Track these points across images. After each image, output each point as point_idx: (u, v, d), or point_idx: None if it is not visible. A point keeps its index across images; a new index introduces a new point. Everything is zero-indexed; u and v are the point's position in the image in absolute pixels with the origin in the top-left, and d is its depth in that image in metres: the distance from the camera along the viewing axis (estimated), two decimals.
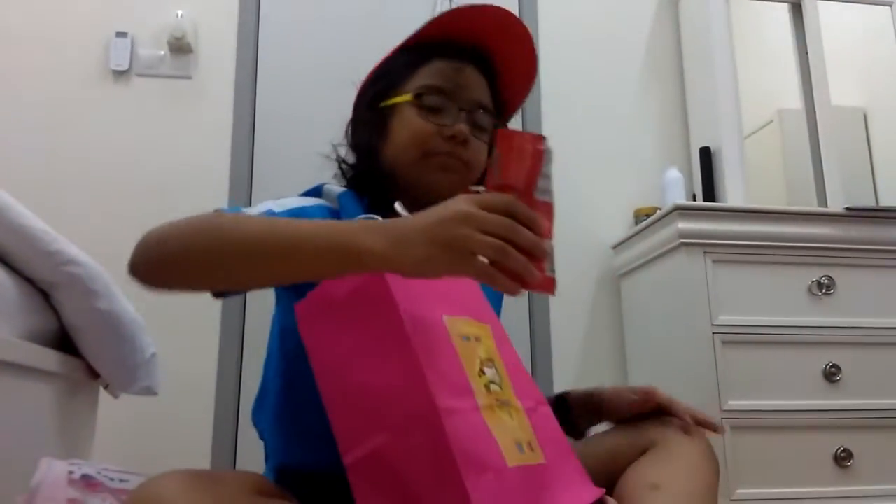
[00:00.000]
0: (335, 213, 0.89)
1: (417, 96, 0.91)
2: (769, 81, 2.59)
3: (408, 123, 0.91)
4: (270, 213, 0.84)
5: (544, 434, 0.73)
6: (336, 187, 0.94)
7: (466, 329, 0.73)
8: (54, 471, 0.79)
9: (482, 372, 0.71)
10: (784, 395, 1.89)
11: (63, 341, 1.27)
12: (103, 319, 1.25)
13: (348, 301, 0.69)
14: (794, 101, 2.47)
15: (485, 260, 0.60)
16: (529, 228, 0.61)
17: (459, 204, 0.61)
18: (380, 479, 0.64)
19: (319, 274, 0.66)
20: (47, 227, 1.19)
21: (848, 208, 2.05)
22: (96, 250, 1.32)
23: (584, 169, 2.55)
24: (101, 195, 2.29)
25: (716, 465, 0.81)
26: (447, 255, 0.60)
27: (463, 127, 0.89)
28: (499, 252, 0.58)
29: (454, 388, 0.66)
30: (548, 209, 0.67)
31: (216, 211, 0.76)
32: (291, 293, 0.88)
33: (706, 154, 2.40)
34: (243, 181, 2.37)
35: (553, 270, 0.64)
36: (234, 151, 2.38)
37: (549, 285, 0.64)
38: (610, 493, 0.83)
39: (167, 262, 0.69)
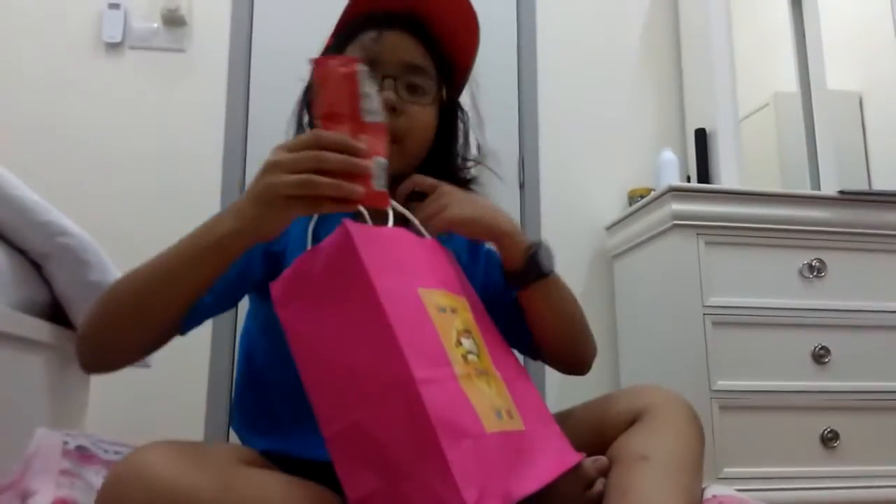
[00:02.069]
0: None
1: None
2: (766, 64, 2.59)
3: None
4: None
5: (524, 403, 0.74)
6: None
7: (442, 301, 0.73)
8: (49, 441, 0.79)
9: (459, 342, 0.71)
10: (773, 377, 1.91)
11: (56, 313, 1.26)
12: (95, 291, 1.25)
13: (323, 277, 0.68)
14: (790, 85, 2.47)
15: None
16: (343, 151, 0.64)
17: (270, 155, 0.66)
18: (360, 450, 0.65)
19: (212, 273, 0.72)
20: (39, 198, 1.18)
21: (841, 192, 2.06)
22: (88, 223, 1.31)
23: (579, 149, 2.54)
24: (93, 168, 2.28)
25: (701, 430, 0.81)
26: (268, 208, 0.66)
27: (388, 94, 0.84)
28: (305, 185, 0.63)
29: (431, 359, 0.66)
30: (379, 130, 0.70)
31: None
32: (255, 295, 0.90)
33: (701, 136, 2.40)
34: (237, 154, 2.35)
35: (384, 185, 0.68)
36: (227, 125, 2.36)
37: (379, 199, 0.68)
38: None
39: (101, 351, 0.77)
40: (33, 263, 1.21)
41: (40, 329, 1.16)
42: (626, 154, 2.57)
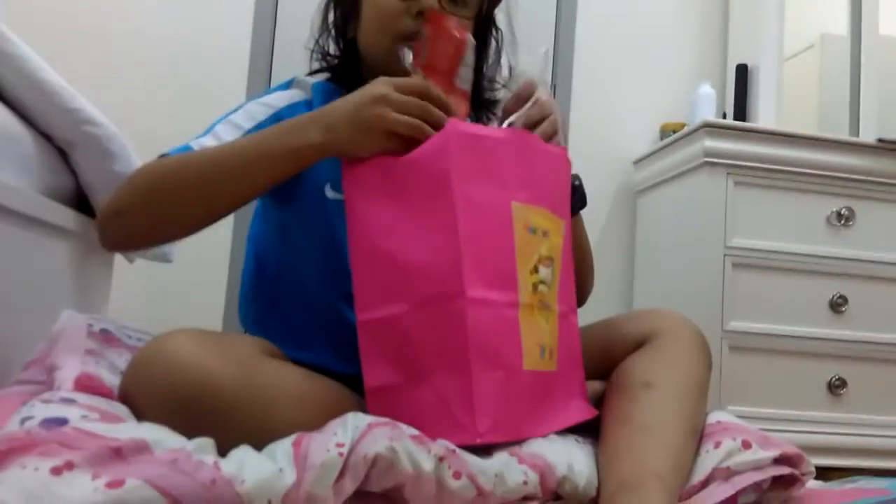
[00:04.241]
0: (308, 105, 0.87)
1: None
2: (816, 4, 2.48)
3: (374, 3, 0.85)
4: (244, 129, 0.82)
5: (564, 342, 0.74)
6: (310, 78, 0.92)
7: (537, 220, 0.71)
8: (75, 322, 0.80)
9: (536, 269, 0.69)
10: (787, 321, 1.90)
11: (80, 201, 1.27)
12: (119, 181, 1.24)
13: (405, 166, 0.68)
14: (840, 28, 2.37)
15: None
16: (442, 109, 0.69)
17: (377, 87, 0.69)
18: (389, 343, 0.65)
19: (277, 177, 0.72)
20: (66, 84, 1.17)
21: (880, 140, 2.00)
22: (110, 116, 1.29)
23: (615, 78, 2.47)
24: (116, 62, 2.24)
25: (708, 358, 0.80)
26: (367, 136, 0.68)
27: (430, 2, 0.81)
28: (413, 128, 0.68)
29: (496, 279, 0.65)
30: (464, 97, 0.78)
31: (160, 157, 0.76)
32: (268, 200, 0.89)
33: (742, 72, 2.32)
34: (264, 50, 2.31)
35: None
36: (255, 20, 2.31)
37: None
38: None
39: (135, 230, 0.75)
40: (59, 151, 1.21)
41: (66, 215, 1.17)
42: (662, 86, 2.50)
